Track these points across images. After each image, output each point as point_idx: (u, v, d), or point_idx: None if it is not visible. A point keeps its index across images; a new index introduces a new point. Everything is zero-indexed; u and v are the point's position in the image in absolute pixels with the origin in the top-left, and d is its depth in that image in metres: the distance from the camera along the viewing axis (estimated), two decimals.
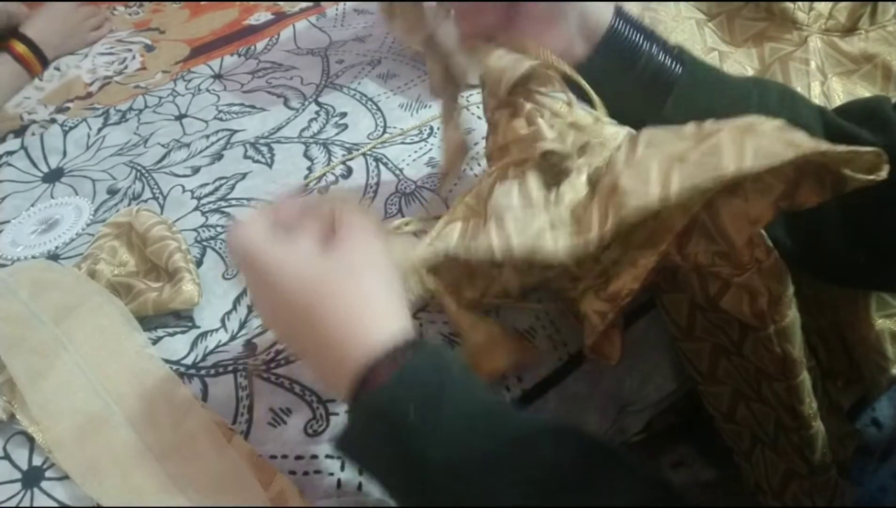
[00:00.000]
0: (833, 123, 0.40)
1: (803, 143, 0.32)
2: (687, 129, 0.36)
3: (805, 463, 0.46)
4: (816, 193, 0.35)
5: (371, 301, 0.34)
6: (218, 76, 0.79)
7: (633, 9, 0.59)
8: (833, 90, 0.55)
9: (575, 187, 0.39)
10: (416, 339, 0.33)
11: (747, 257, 0.38)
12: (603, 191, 0.36)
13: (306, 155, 0.64)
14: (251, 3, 0.95)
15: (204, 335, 0.49)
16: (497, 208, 0.38)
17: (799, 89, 0.54)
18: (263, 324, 0.38)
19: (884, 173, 0.32)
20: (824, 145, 0.32)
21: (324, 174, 0.61)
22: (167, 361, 0.46)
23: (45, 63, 0.84)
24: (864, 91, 0.55)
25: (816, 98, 0.54)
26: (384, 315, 0.33)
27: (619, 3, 0.43)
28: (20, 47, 0.81)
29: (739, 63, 0.58)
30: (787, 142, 0.32)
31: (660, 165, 0.34)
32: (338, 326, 0.33)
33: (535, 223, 0.37)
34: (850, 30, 0.57)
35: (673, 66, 0.41)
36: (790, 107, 0.41)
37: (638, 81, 0.41)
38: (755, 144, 0.33)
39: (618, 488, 0.29)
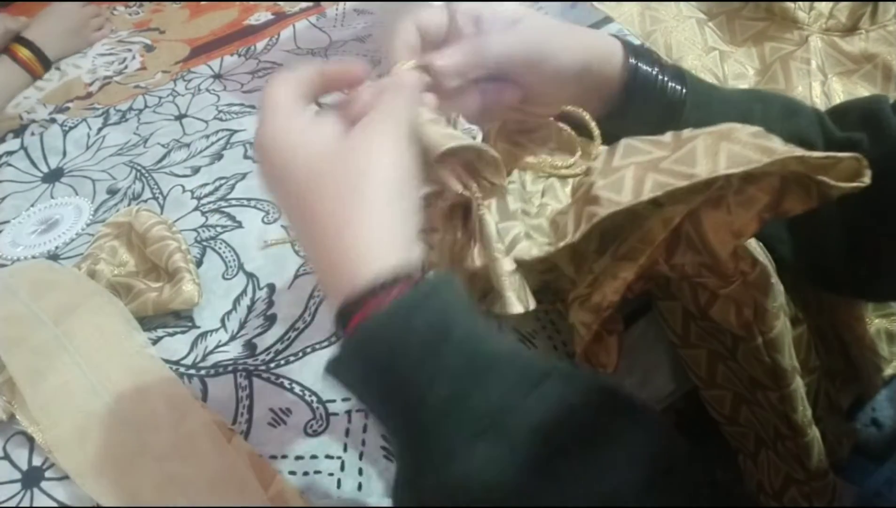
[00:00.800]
0: (833, 135, 0.40)
1: (778, 148, 0.32)
2: (665, 138, 0.36)
3: (802, 469, 0.46)
4: (802, 202, 0.35)
5: (374, 214, 0.29)
6: (218, 76, 0.79)
7: (633, 8, 0.59)
8: (833, 90, 0.55)
9: (558, 198, 0.40)
10: (418, 267, 0.29)
11: (732, 269, 0.38)
12: (579, 198, 0.37)
13: None
14: (251, 3, 0.95)
15: (204, 335, 0.49)
16: (477, 230, 0.39)
17: (800, 89, 0.54)
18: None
19: (866, 180, 0.32)
20: (798, 151, 0.32)
21: None
22: (167, 361, 0.46)
23: (47, 66, 0.84)
24: (864, 91, 0.55)
25: (817, 98, 0.54)
26: (389, 230, 0.30)
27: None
28: (23, 51, 0.81)
29: (740, 63, 0.58)
30: (763, 148, 0.32)
31: (634, 173, 0.35)
32: (335, 231, 0.29)
33: (511, 232, 0.38)
34: (850, 29, 0.57)
35: (680, 89, 0.41)
36: (793, 121, 0.41)
37: (655, 111, 0.41)
38: (729, 149, 0.33)
39: (629, 440, 0.27)
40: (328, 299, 0.31)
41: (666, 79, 0.41)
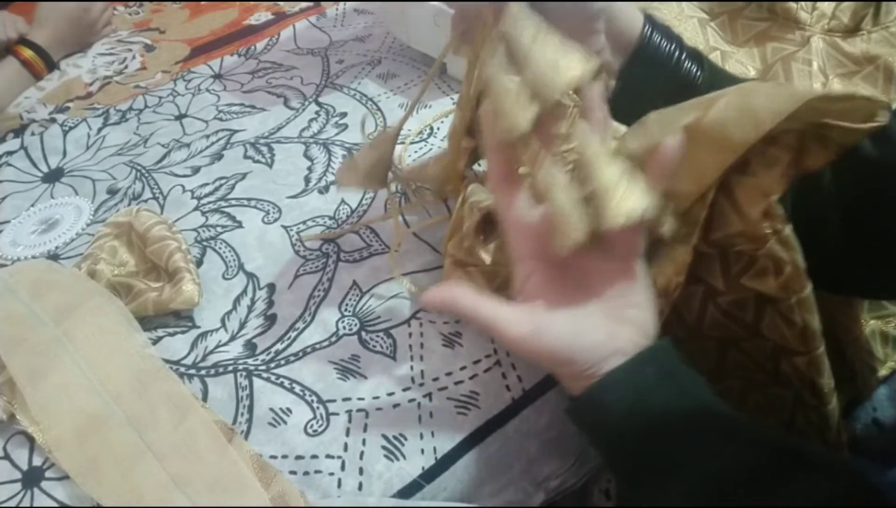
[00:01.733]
0: None
1: (803, 92, 0.33)
2: (690, 102, 0.37)
3: (823, 443, 0.46)
4: (822, 155, 0.36)
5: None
6: (218, 76, 0.79)
7: (634, 8, 0.59)
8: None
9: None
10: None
11: (764, 228, 0.38)
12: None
13: (306, 155, 0.64)
14: (251, 3, 0.95)
15: (204, 335, 0.49)
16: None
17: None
18: None
19: (882, 119, 0.33)
20: (821, 91, 0.33)
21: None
22: (167, 361, 0.46)
23: (51, 67, 0.84)
24: (865, 93, 0.55)
25: None
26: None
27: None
28: (27, 52, 0.82)
29: (741, 63, 0.58)
30: (788, 95, 0.33)
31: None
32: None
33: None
34: (852, 30, 0.57)
35: (696, 70, 0.41)
36: None
37: (666, 88, 0.41)
38: (758, 104, 0.33)
39: (801, 491, 0.30)
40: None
41: (683, 57, 0.41)
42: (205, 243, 0.56)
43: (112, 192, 0.64)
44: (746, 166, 0.37)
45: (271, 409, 0.43)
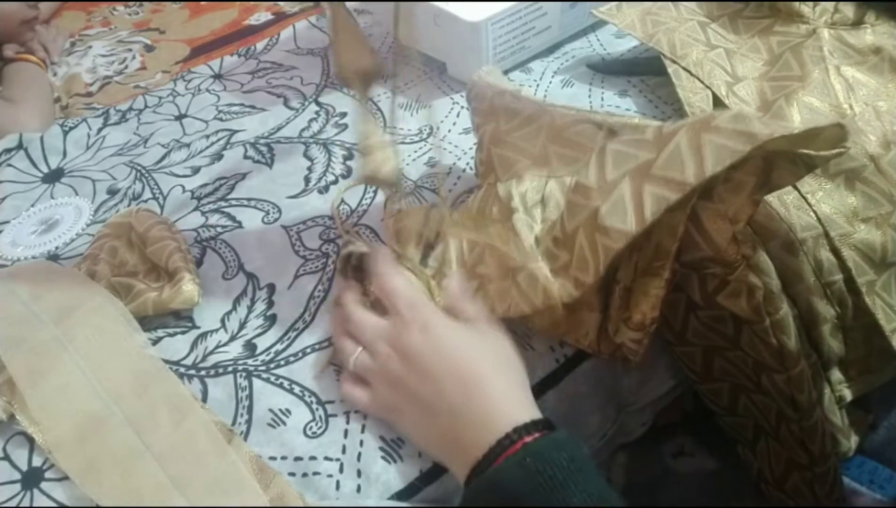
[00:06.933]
0: None
1: (759, 132, 0.32)
2: (647, 135, 0.37)
3: (805, 454, 0.46)
4: (791, 174, 0.36)
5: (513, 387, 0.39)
6: (218, 76, 0.79)
7: (633, 13, 0.59)
8: (846, 74, 0.54)
9: (559, 205, 0.41)
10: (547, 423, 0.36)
11: (733, 255, 0.38)
12: (585, 223, 0.38)
13: (306, 155, 0.64)
14: (251, 3, 0.95)
15: (204, 335, 0.49)
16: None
17: (816, 74, 0.53)
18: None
19: (849, 144, 0.33)
20: (780, 130, 0.32)
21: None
22: (167, 361, 0.46)
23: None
24: (873, 82, 0.54)
25: (836, 81, 0.53)
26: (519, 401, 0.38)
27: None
28: (29, 56, 0.83)
29: (747, 56, 0.58)
30: (744, 135, 0.33)
31: (631, 189, 0.35)
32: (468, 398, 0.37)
33: (539, 275, 0.39)
34: (856, 23, 0.56)
35: None
36: None
37: None
38: (711, 142, 0.33)
39: None
40: (456, 456, 0.38)
41: None
42: (205, 243, 0.56)
43: (112, 192, 0.64)
44: (710, 193, 0.37)
45: (270, 410, 0.43)
